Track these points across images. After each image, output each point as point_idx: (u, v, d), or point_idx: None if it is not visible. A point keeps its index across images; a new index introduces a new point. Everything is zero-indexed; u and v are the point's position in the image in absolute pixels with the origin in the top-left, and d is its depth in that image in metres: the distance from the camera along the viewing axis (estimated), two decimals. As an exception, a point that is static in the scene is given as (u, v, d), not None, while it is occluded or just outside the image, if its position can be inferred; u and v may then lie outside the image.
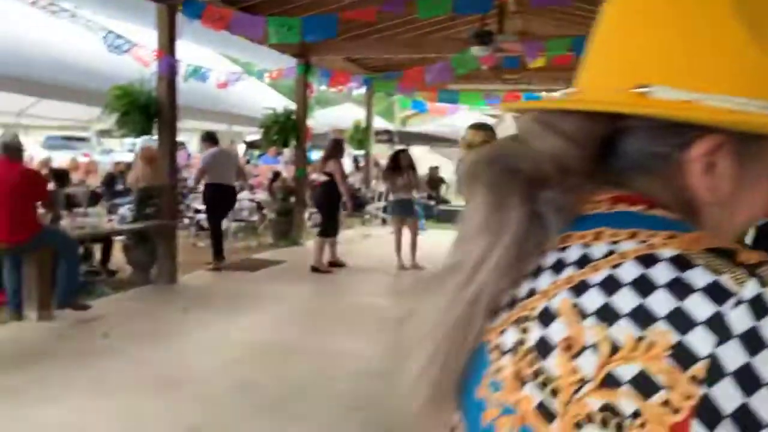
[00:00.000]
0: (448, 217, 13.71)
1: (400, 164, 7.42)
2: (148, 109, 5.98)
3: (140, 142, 17.94)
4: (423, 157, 20.79)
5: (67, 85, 6.44)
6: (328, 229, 7.36)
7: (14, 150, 4.71)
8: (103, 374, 3.76)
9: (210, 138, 7.50)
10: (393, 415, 2.63)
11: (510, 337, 0.49)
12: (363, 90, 11.77)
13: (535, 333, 0.47)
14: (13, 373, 3.70)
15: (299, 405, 3.40)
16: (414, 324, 0.56)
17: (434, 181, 16.10)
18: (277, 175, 12.85)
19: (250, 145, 17.50)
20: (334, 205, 7.39)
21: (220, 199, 7.23)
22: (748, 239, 5.31)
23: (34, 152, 11.72)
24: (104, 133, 19.08)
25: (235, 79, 7.76)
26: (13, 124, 11.49)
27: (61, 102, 7.60)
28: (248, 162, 17.88)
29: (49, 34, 7.02)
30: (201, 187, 7.74)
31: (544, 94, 12.79)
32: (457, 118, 16.46)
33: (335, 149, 7.54)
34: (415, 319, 0.56)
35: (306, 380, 3.77)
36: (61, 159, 13.17)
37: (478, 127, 6.04)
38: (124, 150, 19.31)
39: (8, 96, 6.85)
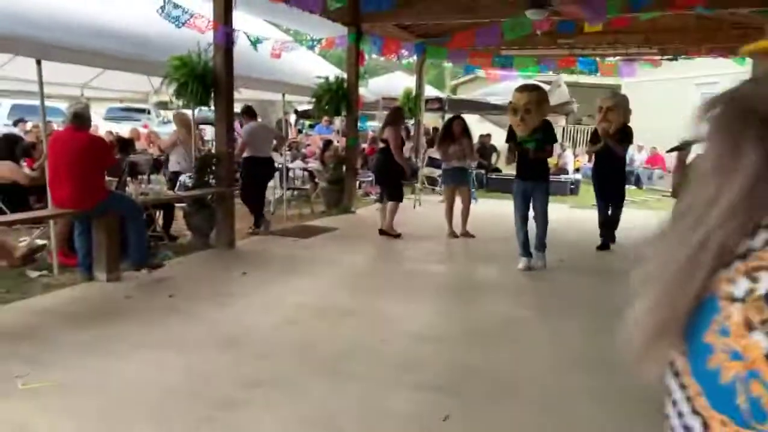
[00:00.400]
0: (499, 186, 13.59)
1: (453, 132, 7.38)
2: (205, 79, 6.12)
3: (196, 112, 18.33)
4: (474, 126, 20.59)
5: (128, 56, 6.64)
6: (393, 194, 7.47)
7: (81, 118, 4.94)
8: (170, 332, 3.97)
9: (249, 112, 7.70)
10: (444, 376, 2.73)
11: (742, 286, 0.48)
12: (414, 58, 11.65)
13: (765, 282, 0.47)
14: (86, 329, 3.95)
15: (354, 365, 3.52)
16: (646, 266, 0.57)
17: (485, 149, 15.91)
18: (328, 143, 12.97)
19: (302, 115, 17.67)
20: (393, 171, 7.46)
21: (259, 171, 7.51)
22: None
23: (98, 123, 12.19)
24: (161, 105, 19.69)
25: (290, 49, 7.81)
26: (77, 97, 11.97)
27: (121, 74, 7.84)
28: (300, 132, 18.11)
29: (107, 5, 7.21)
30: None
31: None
32: (508, 86, 16.13)
33: (393, 116, 7.61)
34: (648, 261, 0.58)
35: (360, 342, 3.89)
36: (122, 130, 13.69)
37: (522, 89, 5.98)
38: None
39: (73, 68, 7.11)
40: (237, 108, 7.27)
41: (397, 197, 7.51)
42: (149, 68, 7.12)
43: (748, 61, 10.71)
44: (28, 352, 3.55)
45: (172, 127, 16.00)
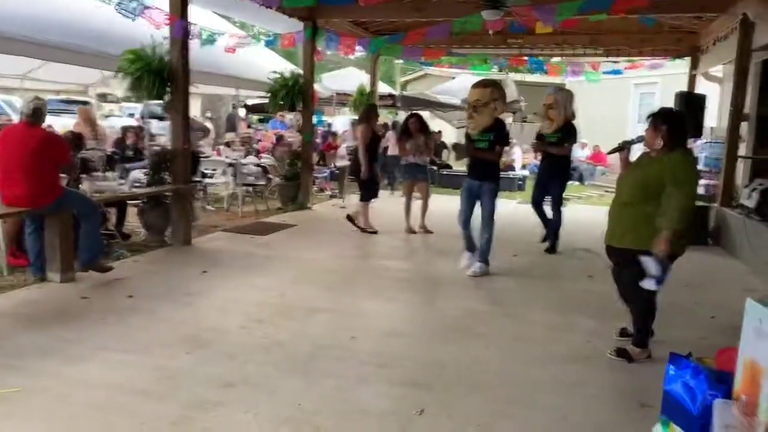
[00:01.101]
0: (449, 183, 13.81)
1: (410, 129, 7.49)
2: (162, 74, 5.98)
3: (141, 107, 17.84)
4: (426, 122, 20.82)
5: (71, 47, 6.39)
6: (361, 193, 7.70)
7: (38, 114, 4.74)
8: (132, 333, 3.89)
9: None
10: (416, 371, 2.82)
11: None
12: (366, 54, 11.68)
13: None
14: (44, 332, 3.83)
15: (326, 363, 3.54)
16: None
17: (436, 146, 16.12)
18: (280, 138, 12.86)
19: (251, 109, 17.44)
20: (360, 169, 7.58)
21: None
22: (752, 203, 5.36)
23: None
24: (103, 97, 19.02)
25: (245, 44, 7.71)
26: (17, 88, 11.44)
27: (61, 65, 7.55)
28: (249, 126, 17.86)
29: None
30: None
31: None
32: (456, 83, 16.39)
33: (365, 114, 7.76)
34: None
35: (329, 339, 3.92)
36: (63, 123, 13.15)
37: (476, 84, 5.94)
38: (123, 114, 19.28)
39: (11, 59, 6.81)
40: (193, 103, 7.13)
41: (363, 197, 7.61)
42: (90, 60, 6.89)
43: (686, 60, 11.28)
44: (-15, 357, 3.41)
45: (116, 121, 15.58)
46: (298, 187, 9.51)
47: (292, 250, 6.55)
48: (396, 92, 16.96)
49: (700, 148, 9.66)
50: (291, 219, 8.42)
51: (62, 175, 5.03)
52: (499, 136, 5.65)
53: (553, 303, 4.97)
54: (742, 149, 7.94)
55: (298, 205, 9.35)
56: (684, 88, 10.56)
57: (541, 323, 4.42)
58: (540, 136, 6.96)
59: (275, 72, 8.87)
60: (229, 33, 7.77)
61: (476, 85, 5.85)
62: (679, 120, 3.68)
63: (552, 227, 6.85)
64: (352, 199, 10.68)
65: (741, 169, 8.03)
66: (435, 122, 18.74)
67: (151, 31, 6.10)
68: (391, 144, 11.42)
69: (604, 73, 12.43)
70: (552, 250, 6.83)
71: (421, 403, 3.07)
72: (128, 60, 5.93)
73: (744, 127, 7.92)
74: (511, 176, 13.41)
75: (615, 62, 12.21)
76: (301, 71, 9.40)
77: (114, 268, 5.25)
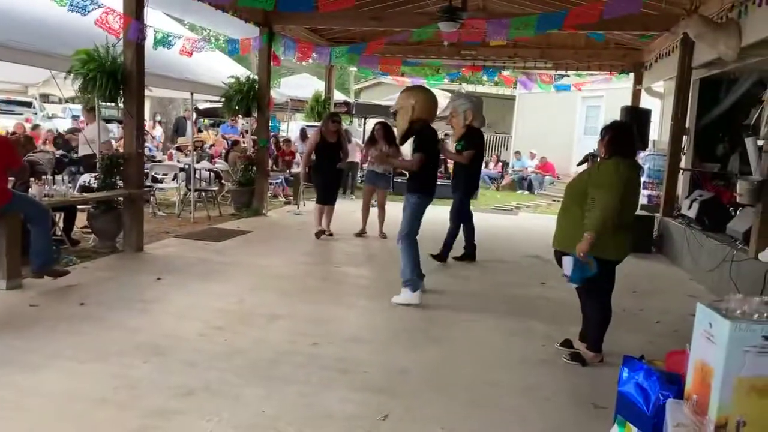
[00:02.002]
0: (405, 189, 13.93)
1: (374, 136, 7.63)
2: (115, 75, 5.84)
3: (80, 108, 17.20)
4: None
5: (10, 45, 6.15)
6: (317, 197, 7.88)
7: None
8: (87, 341, 3.78)
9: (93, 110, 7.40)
10: (378, 377, 2.86)
11: None
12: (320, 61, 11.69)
13: None
14: (-8, 341, 3.68)
15: (287, 369, 3.53)
16: None
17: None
18: (235, 144, 12.71)
19: (203, 113, 17.14)
20: (317, 174, 7.88)
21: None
22: (692, 213, 5.62)
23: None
24: (45, 98, 18.30)
25: (201, 48, 7.60)
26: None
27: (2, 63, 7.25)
28: (200, 130, 17.55)
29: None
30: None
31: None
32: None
33: (322, 122, 7.98)
34: None
35: (290, 346, 3.91)
36: (2, 125, 12.59)
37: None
38: (67, 116, 18.60)
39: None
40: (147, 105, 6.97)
41: (317, 199, 7.80)
42: (32, 59, 6.63)
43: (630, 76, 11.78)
44: (-72, 367, 3.26)
45: (59, 123, 14.97)
46: (252, 193, 9.41)
47: (249, 256, 6.48)
48: (351, 100, 17.00)
49: (644, 160, 10.10)
50: (246, 225, 8.33)
51: (10, 178, 4.84)
52: (418, 142, 5.02)
53: (509, 309, 5.10)
54: (683, 162, 8.33)
55: (252, 211, 9.26)
56: (628, 102, 11.01)
57: (499, 328, 4.54)
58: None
59: (232, 77, 8.78)
60: (185, 36, 7.64)
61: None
62: (621, 131, 3.79)
63: (448, 235, 6.57)
64: (308, 206, 10.67)
65: (682, 180, 8.43)
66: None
67: (102, 32, 5.94)
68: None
69: (555, 87, 12.86)
70: (451, 257, 6.58)
71: (385, 408, 3.11)
72: (80, 60, 5.77)
73: (684, 140, 8.32)
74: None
75: (565, 76, 12.63)
76: (255, 76, 9.34)
77: (70, 272, 5.10)
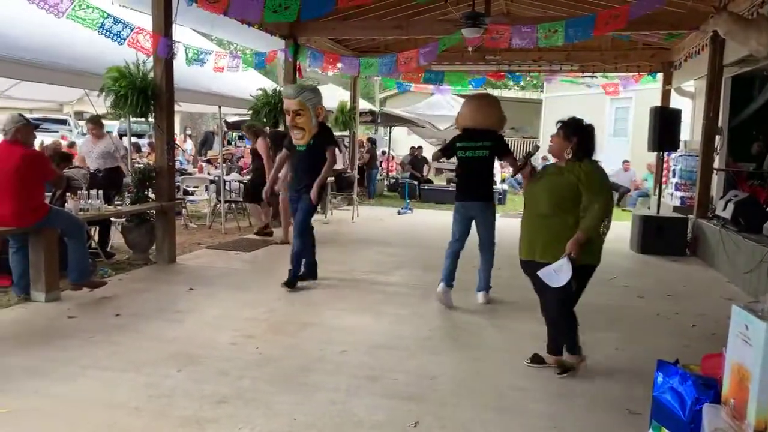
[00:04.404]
0: (431, 197, 13.94)
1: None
2: (146, 92, 5.98)
3: (117, 124, 17.72)
4: (405, 138, 21.01)
5: (46, 65, 6.34)
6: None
7: (13, 132, 4.71)
8: (122, 351, 3.86)
9: (99, 122, 7.54)
10: (408, 383, 2.85)
11: None
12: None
13: None
14: (32, 352, 3.79)
15: (318, 377, 3.56)
16: None
17: (417, 161, 16.28)
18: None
19: (232, 126, 17.41)
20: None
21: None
22: (727, 214, 5.49)
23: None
24: (79, 116, 18.83)
25: (234, 66, 7.75)
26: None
27: (36, 84, 7.46)
28: (229, 143, 17.82)
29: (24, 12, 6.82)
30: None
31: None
32: (435, 99, 16.59)
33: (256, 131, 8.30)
34: None
35: (320, 354, 3.93)
36: (38, 141, 12.97)
37: (287, 94, 5.29)
38: (100, 132, 19.10)
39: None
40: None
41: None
42: (66, 79, 6.81)
43: (659, 76, 11.60)
44: (-28, 378, 3.37)
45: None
46: (279, 204, 9.48)
47: (279, 265, 6.52)
48: (376, 109, 17.08)
49: (675, 161, 9.92)
50: (275, 235, 8.40)
51: (47, 193, 4.99)
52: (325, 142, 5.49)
53: (538, 314, 5.02)
54: (717, 162, 8.16)
55: (280, 221, 9.33)
56: (657, 102, 10.83)
57: (528, 333, 4.48)
58: (289, 144, 5.69)
59: (260, 89, 8.91)
60: (215, 52, 7.79)
61: (286, 95, 5.51)
62: (589, 132, 3.68)
63: (292, 256, 5.62)
64: (336, 215, 10.75)
65: (716, 181, 8.25)
66: (412, 138, 18.95)
67: (131, 50, 6.09)
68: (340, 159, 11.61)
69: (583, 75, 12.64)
70: (292, 283, 5.51)
71: (414, 414, 3.10)
72: (112, 78, 5.93)
73: (717, 140, 8.16)
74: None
75: (592, 77, 12.50)
76: (280, 88, 9.45)
77: (107, 282, 5.24)
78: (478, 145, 4.97)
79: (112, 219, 6.44)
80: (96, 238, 6.32)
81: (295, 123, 5.40)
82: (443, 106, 16.65)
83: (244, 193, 8.69)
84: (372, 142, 14.51)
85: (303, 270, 5.72)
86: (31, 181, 4.66)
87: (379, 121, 15.77)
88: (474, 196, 5.03)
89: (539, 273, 3.53)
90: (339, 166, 11.09)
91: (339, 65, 9.48)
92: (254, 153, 8.51)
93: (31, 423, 2.91)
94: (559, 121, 3.74)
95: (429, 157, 17.62)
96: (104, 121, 18.37)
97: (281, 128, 8.71)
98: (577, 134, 3.61)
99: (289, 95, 5.45)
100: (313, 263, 5.87)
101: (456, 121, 5.31)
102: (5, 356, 3.71)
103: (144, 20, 6.22)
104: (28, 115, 16.59)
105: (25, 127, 4.72)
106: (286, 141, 5.85)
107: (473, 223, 5.09)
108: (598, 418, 3.19)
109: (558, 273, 3.47)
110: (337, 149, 6.69)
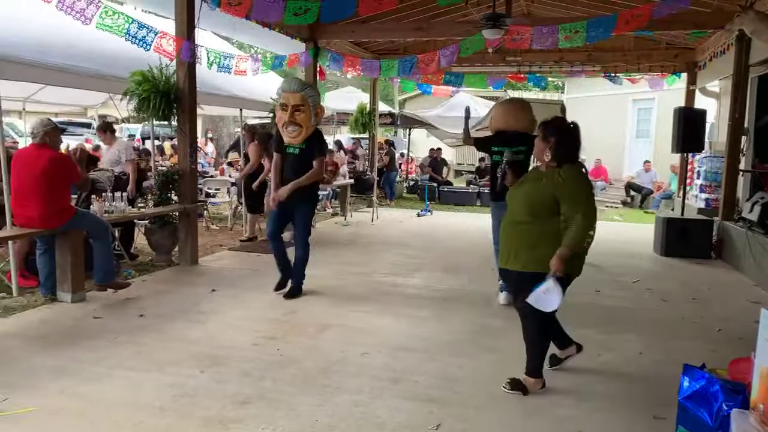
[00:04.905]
0: (451, 199, 13.90)
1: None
2: (169, 95, 6.06)
3: (140, 127, 17.90)
4: (424, 140, 20.98)
5: (72, 70, 6.44)
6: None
7: (41, 136, 4.80)
8: (146, 352, 3.91)
9: (110, 128, 7.56)
10: (430, 386, 2.85)
11: None
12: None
13: None
14: (59, 352, 3.85)
15: (340, 378, 3.57)
16: None
17: (437, 163, 16.25)
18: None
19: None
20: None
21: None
22: (754, 216, 5.38)
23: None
24: (103, 119, 19.14)
25: (255, 69, 7.83)
26: (18, 111, 11.51)
27: (61, 88, 7.59)
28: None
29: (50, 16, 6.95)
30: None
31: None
32: (455, 101, 16.51)
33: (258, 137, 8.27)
34: None
35: (342, 355, 3.94)
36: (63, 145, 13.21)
37: (289, 88, 4.95)
38: (123, 135, 19.40)
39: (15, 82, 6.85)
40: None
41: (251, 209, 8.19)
42: (96, 83, 6.93)
43: (683, 76, 11.44)
44: (1, 377, 3.43)
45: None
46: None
47: (299, 267, 6.57)
48: (395, 111, 17.10)
49: (700, 162, 9.77)
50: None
51: (73, 196, 5.07)
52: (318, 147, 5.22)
53: (562, 317, 4.98)
54: (743, 163, 8.03)
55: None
56: (681, 103, 10.69)
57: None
58: (278, 146, 5.33)
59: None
60: (237, 56, 7.87)
61: (288, 88, 5.15)
62: (569, 133, 3.37)
63: (297, 265, 5.44)
64: (356, 217, 10.78)
65: (742, 182, 8.11)
66: (432, 140, 18.91)
67: (155, 54, 6.18)
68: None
69: (607, 76, 12.48)
70: (297, 292, 5.39)
71: (437, 417, 3.10)
72: (136, 81, 6.01)
73: (743, 140, 8.02)
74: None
75: (614, 76, 12.36)
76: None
77: (131, 283, 5.32)
78: (514, 150, 4.95)
79: (135, 221, 6.53)
80: (120, 240, 6.41)
81: (294, 119, 5.02)
82: (462, 108, 16.62)
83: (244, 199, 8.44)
84: (390, 144, 14.51)
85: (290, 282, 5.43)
86: (57, 184, 4.75)
87: (398, 123, 15.78)
88: None
89: (529, 300, 3.24)
90: (342, 180, 11.13)
91: (358, 67, 9.49)
92: (246, 157, 8.35)
93: (57, 422, 2.96)
94: (541, 122, 3.52)
95: (448, 159, 17.61)
96: (127, 125, 18.59)
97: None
98: (555, 135, 3.31)
99: (292, 88, 5.09)
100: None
101: (488, 124, 5.45)
102: (33, 356, 3.78)
103: (166, 24, 6.30)
104: (53, 119, 16.90)
105: (53, 131, 4.81)
106: (272, 143, 5.47)
107: None
108: (623, 423, 3.15)
109: (547, 295, 3.20)
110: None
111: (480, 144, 5.62)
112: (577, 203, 3.19)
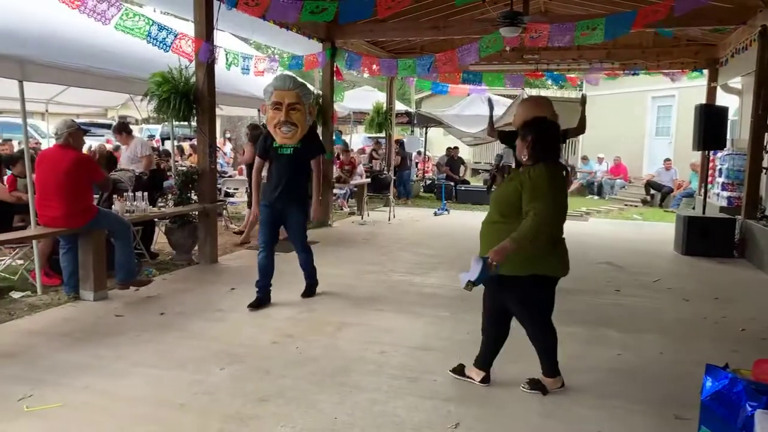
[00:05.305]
0: (468, 198, 13.86)
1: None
2: (188, 96, 6.12)
3: (160, 128, 18.05)
4: (440, 139, 20.93)
5: (92, 72, 6.54)
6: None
7: (65, 137, 4.88)
8: (167, 349, 3.96)
9: (126, 128, 7.71)
10: (448, 385, 2.84)
11: None
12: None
13: None
14: (82, 349, 3.92)
15: (358, 377, 3.58)
16: None
17: (454, 162, 16.20)
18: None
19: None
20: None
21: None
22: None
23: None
24: (122, 120, 19.39)
25: (274, 69, 7.89)
26: (42, 112, 11.71)
27: (83, 89, 7.71)
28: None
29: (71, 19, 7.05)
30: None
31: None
32: (471, 99, 16.46)
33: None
34: None
35: (360, 354, 3.95)
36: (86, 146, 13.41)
37: (282, 85, 4.73)
38: (143, 136, 19.65)
39: (39, 84, 6.96)
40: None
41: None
42: (118, 84, 7.02)
43: (705, 73, 11.29)
44: (27, 373, 3.50)
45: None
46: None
47: (316, 266, 6.58)
48: (411, 110, 17.08)
49: (722, 160, 9.63)
50: (313, 236, 8.45)
51: (95, 195, 5.15)
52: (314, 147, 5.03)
53: (582, 316, 4.97)
54: (766, 161, 7.90)
55: (318, 222, 9.42)
56: (702, 100, 10.54)
57: (572, 336, 4.42)
58: (265, 149, 5.02)
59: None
60: (255, 56, 7.93)
61: (282, 86, 4.84)
62: (546, 130, 3.32)
63: (305, 267, 5.38)
64: (373, 216, 10.79)
65: (765, 180, 7.99)
66: (449, 139, 18.85)
67: (174, 55, 6.24)
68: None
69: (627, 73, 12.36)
70: (312, 291, 5.40)
71: (455, 416, 3.10)
72: (156, 83, 6.08)
73: (766, 138, 7.88)
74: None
75: (634, 74, 12.23)
76: (318, 91, 9.54)
77: (153, 280, 5.39)
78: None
79: (156, 220, 6.60)
80: (141, 239, 6.49)
81: (289, 117, 4.76)
82: (479, 106, 16.53)
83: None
84: (400, 144, 14.49)
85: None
86: (80, 184, 4.82)
87: (415, 122, 15.76)
88: None
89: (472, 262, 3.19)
90: (359, 180, 11.12)
91: (375, 67, 9.50)
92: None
93: (81, 417, 3.01)
94: (522, 122, 3.51)
95: (465, 158, 17.54)
96: (147, 126, 18.76)
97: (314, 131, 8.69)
98: (532, 133, 3.26)
99: (286, 86, 4.81)
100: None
101: (512, 120, 5.58)
102: (57, 352, 3.85)
103: (184, 25, 6.36)
104: (76, 120, 17.09)
105: (76, 132, 4.89)
106: (260, 145, 5.07)
107: None
108: (644, 423, 3.12)
109: (473, 270, 3.13)
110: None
111: (503, 137, 5.70)
112: (534, 199, 3.10)
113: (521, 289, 3.26)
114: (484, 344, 3.59)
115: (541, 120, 3.42)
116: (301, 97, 4.85)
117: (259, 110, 9.11)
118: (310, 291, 5.40)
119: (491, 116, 5.86)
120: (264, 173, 5.20)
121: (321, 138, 9.50)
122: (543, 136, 3.27)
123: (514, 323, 3.55)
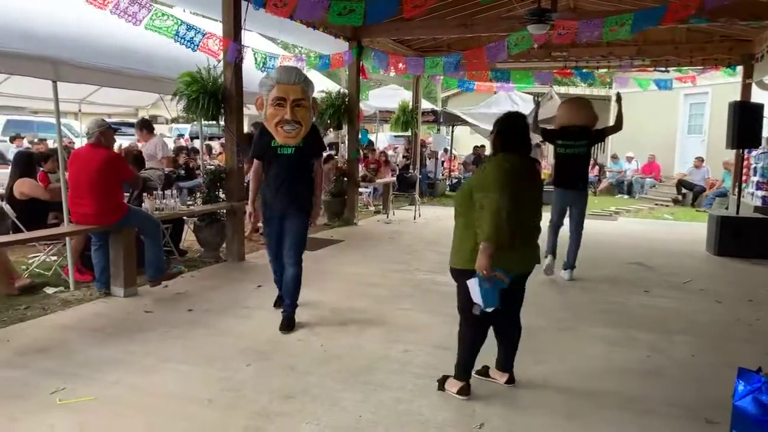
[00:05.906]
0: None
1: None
2: (216, 95, 6.20)
3: (189, 127, 18.26)
4: (467, 137, 20.85)
5: (124, 72, 6.65)
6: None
7: (96, 136, 4.98)
8: (195, 345, 4.02)
9: (148, 126, 7.83)
10: (473, 384, 2.81)
11: None
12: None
13: None
14: (113, 344, 4.00)
15: (382, 375, 3.59)
16: None
17: (480, 160, 16.11)
18: (329, 158, 13.05)
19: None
20: None
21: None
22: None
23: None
24: (153, 119, 19.71)
25: (301, 68, 7.95)
26: (75, 112, 11.99)
27: (115, 89, 7.87)
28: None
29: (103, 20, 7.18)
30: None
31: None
32: (498, 98, 16.34)
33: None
34: None
35: (384, 352, 3.96)
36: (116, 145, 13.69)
37: (287, 78, 4.21)
38: (173, 135, 19.93)
39: (72, 84, 7.12)
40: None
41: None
42: (149, 84, 7.14)
43: (738, 69, 11.02)
44: (60, 367, 3.59)
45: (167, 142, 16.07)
46: (343, 203, 9.64)
47: (342, 264, 6.64)
48: (438, 108, 17.03)
49: (756, 159, 9.39)
50: (338, 235, 8.53)
51: (126, 194, 5.26)
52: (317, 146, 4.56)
53: (610, 317, 4.90)
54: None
55: (344, 220, 9.48)
56: (735, 97, 10.28)
57: (599, 337, 4.37)
58: (261, 149, 4.47)
59: (323, 91, 9.07)
60: (282, 56, 7.99)
61: (287, 79, 4.28)
62: (509, 124, 3.22)
63: (288, 288, 4.54)
64: (398, 215, 10.79)
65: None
66: (475, 137, 18.76)
67: (203, 55, 6.32)
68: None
69: (656, 83, 12.19)
70: (290, 324, 4.44)
71: (480, 416, 3.08)
72: (184, 82, 6.17)
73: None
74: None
75: (665, 71, 11.98)
76: (345, 90, 9.58)
77: (184, 271, 5.48)
78: (578, 144, 5.97)
79: (185, 218, 6.70)
80: (170, 236, 6.60)
81: (294, 116, 4.25)
82: (505, 104, 16.43)
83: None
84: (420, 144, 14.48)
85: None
86: (111, 182, 4.93)
87: (441, 120, 15.71)
88: (573, 185, 6.05)
89: (468, 283, 3.13)
90: (386, 176, 11.06)
91: (401, 65, 9.50)
92: None
93: (112, 411, 3.07)
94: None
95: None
96: (176, 125, 19.02)
97: (329, 130, 8.59)
98: (496, 125, 3.23)
99: (291, 80, 4.26)
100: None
101: (555, 122, 6.15)
102: (89, 347, 3.93)
103: (212, 25, 6.44)
104: (107, 120, 17.44)
105: (107, 131, 4.99)
106: (256, 144, 4.52)
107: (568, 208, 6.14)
108: (673, 427, 3.07)
109: (472, 293, 3.13)
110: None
111: (546, 135, 6.24)
112: (483, 189, 3.01)
113: (462, 283, 3.22)
114: (497, 346, 3.54)
115: (510, 114, 3.34)
116: (306, 92, 4.33)
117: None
118: (288, 323, 4.42)
119: (536, 114, 6.61)
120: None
121: (354, 137, 9.61)
122: (506, 129, 3.21)
123: (525, 322, 3.51)
